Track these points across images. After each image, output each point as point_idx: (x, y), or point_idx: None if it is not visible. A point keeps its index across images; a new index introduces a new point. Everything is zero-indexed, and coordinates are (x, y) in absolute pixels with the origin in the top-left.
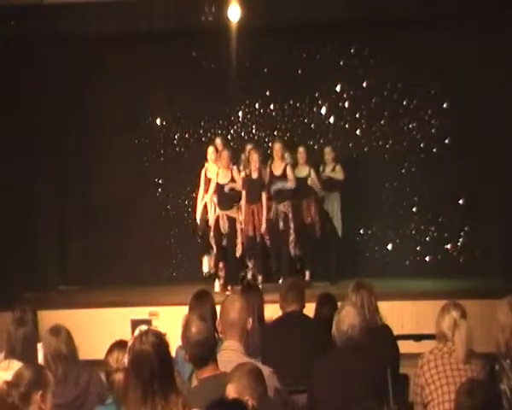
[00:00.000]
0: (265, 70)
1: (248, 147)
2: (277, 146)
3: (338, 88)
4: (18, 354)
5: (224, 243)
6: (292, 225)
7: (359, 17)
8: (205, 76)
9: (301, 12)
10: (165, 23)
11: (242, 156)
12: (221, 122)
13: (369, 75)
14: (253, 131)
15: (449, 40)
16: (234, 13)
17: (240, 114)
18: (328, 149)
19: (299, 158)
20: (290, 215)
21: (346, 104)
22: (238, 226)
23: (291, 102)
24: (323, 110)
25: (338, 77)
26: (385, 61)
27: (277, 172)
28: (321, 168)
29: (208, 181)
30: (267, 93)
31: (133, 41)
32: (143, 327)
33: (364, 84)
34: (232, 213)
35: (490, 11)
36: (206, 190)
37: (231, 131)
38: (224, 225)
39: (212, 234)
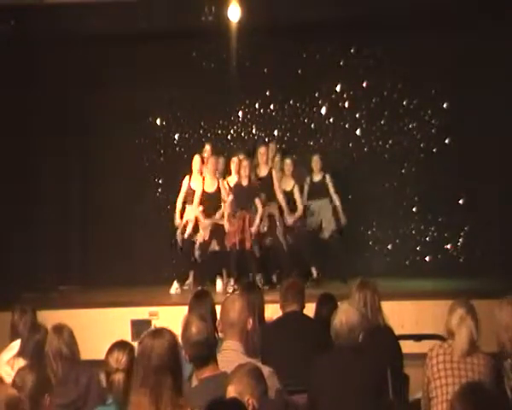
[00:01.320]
0: (265, 70)
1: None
2: (262, 150)
3: (338, 88)
4: (28, 359)
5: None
6: (278, 225)
7: (359, 17)
8: (205, 76)
9: (301, 12)
10: (165, 23)
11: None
12: (221, 122)
13: (369, 75)
14: (253, 131)
15: (449, 40)
16: (234, 13)
17: (240, 114)
18: (315, 158)
19: (286, 170)
20: (277, 216)
21: (346, 104)
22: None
23: (291, 102)
24: (323, 110)
25: (338, 77)
26: (385, 61)
27: (263, 174)
28: (308, 178)
29: (192, 192)
30: (267, 93)
31: (133, 41)
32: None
33: (364, 84)
34: (217, 220)
35: (490, 11)
36: (187, 200)
37: (231, 131)
38: (210, 234)
39: (197, 249)
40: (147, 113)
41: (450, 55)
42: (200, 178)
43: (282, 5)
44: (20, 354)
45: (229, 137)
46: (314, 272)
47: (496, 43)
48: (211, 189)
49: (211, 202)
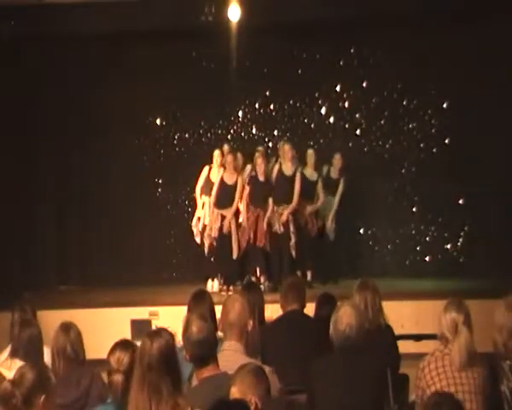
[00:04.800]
0: (265, 70)
1: (260, 149)
2: (287, 147)
3: (338, 88)
4: (22, 356)
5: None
6: (292, 228)
7: (359, 17)
8: (205, 76)
9: (301, 12)
10: (165, 23)
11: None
12: (221, 122)
13: (369, 75)
14: (253, 131)
15: (449, 40)
16: (234, 13)
17: (240, 114)
18: (337, 156)
19: (308, 160)
20: (290, 218)
21: (346, 104)
22: (233, 228)
23: (291, 102)
24: (323, 110)
25: (338, 77)
26: (385, 61)
27: (288, 172)
28: (325, 169)
29: (211, 183)
30: (267, 93)
31: (133, 41)
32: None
33: (364, 84)
34: (226, 212)
35: (490, 11)
36: (204, 190)
37: (231, 131)
38: (217, 225)
39: (207, 235)
40: (147, 113)
41: (449, 55)
42: (221, 170)
43: (282, 5)
44: (14, 352)
45: (229, 137)
46: (309, 275)
47: (496, 43)
48: (230, 181)
49: (227, 194)
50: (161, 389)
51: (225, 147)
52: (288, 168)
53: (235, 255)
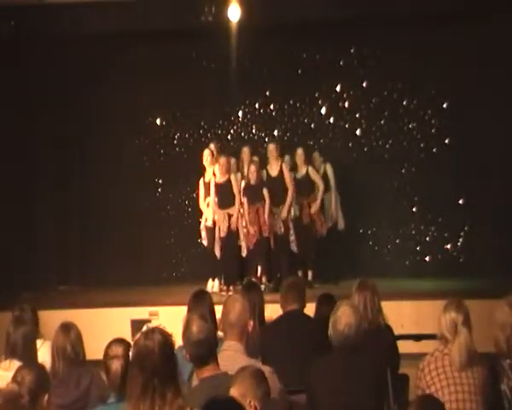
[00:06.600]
0: (265, 70)
1: (244, 149)
2: (271, 147)
3: (338, 88)
4: (18, 354)
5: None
6: (291, 226)
7: (359, 17)
8: (205, 76)
9: (301, 12)
10: (165, 23)
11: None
12: (221, 122)
13: (369, 75)
14: (253, 131)
15: (449, 40)
16: (234, 13)
17: (240, 114)
18: (315, 155)
19: (298, 160)
20: (290, 217)
21: (346, 104)
22: (240, 226)
23: (291, 102)
24: (323, 110)
25: (338, 77)
26: (385, 61)
27: (273, 172)
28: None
29: (207, 185)
30: (267, 93)
31: (133, 41)
32: (151, 325)
33: (364, 85)
34: (232, 211)
35: (490, 11)
36: (206, 194)
37: (231, 131)
38: (225, 225)
39: (217, 237)
40: (147, 113)
41: (450, 54)
42: (211, 169)
43: (282, 5)
44: (10, 351)
45: (229, 137)
46: (309, 274)
47: (496, 43)
48: (221, 179)
49: (225, 193)
50: (166, 394)
51: (211, 146)
52: (272, 169)
53: (244, 253)
